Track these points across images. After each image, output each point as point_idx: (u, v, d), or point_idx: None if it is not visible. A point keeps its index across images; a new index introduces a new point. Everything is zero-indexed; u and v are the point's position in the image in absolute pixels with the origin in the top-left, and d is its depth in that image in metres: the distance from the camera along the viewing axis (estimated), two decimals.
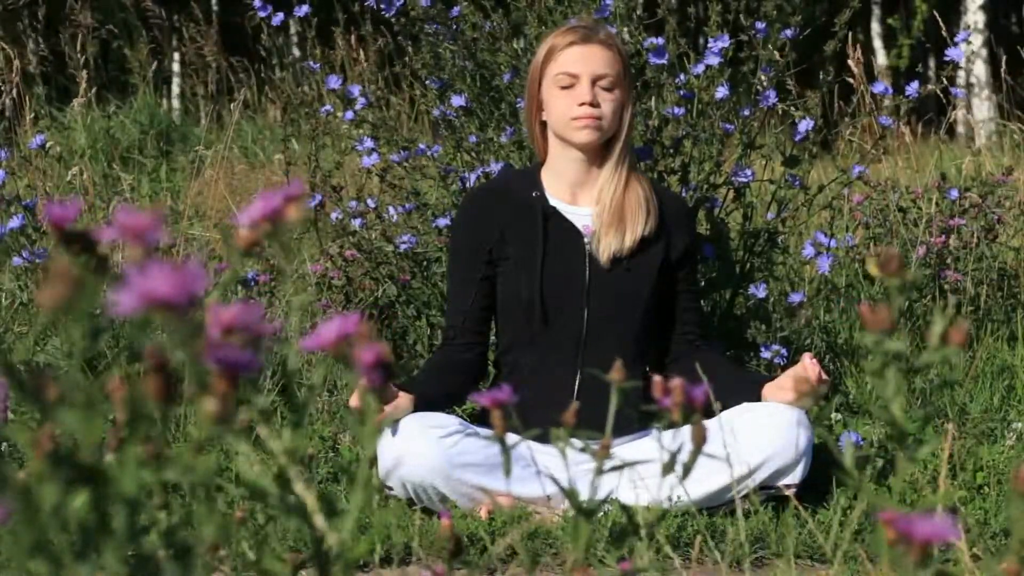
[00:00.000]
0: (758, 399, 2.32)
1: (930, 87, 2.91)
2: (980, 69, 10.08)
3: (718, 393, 2.29)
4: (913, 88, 2.85)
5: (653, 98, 2.86)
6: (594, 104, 2.39)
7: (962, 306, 3.34)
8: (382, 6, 2.90)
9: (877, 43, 12.59)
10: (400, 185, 3.12)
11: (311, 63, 3.11)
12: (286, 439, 0.57)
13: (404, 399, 2.27)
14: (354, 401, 2.22)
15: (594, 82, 2.39)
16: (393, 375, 0.61)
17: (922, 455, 0.73)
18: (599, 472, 0.92)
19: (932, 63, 12.03)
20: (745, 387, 2.35)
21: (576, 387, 2.39)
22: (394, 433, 2.26)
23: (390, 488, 2.31)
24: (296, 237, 3.52)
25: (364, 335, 0.60)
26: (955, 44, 2.87)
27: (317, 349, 0.61)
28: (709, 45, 2.79)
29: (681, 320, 2.49)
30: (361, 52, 5.49)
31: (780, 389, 2.29)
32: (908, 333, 3.19)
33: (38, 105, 5.69)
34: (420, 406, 2.29)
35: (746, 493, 2.23)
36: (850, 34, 4.76)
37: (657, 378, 0.91)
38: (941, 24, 4.74)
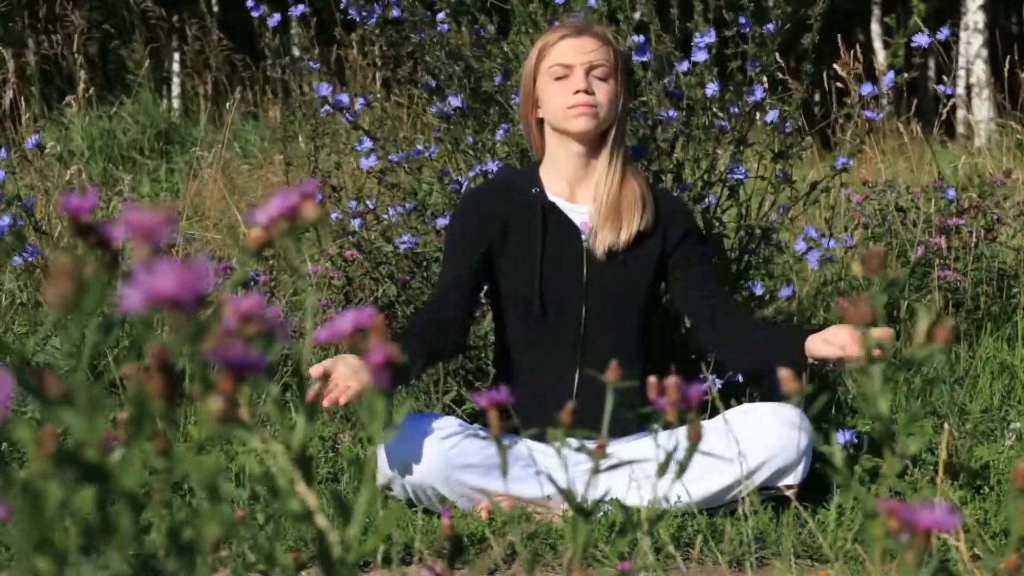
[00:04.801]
0: (801, 354, 2.19)
1: (907, 75, 2.91)
2: (980, 69, 10.08)
3: (760, 354, 2.27)
4: (889, 78, 2.86)
5: (645, 96, 2.86)
6: (589, 91, 2.38)
7: (962, 305, 3.35)
8: (363, 15, 2.90)
9: (877, 43, 12.60)
10: (399, 185, 3.12)
11: (310, 63, 3.11)
12: (299, 431, 0.57)
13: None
14: (315, 370, 2.07)
15: (588, 71, 2.39)
16: (402, 378, 0.62)
17: (910, 451, 0.73)
18: (595, 471, 0.92)
19: (932, 63, 12.04)
20: (786, 345, 2.25)
21: (575, 386, 2.39)
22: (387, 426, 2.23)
23: (389, 489, 2.31)
24: (296, 237, 3.51)
25: (379, 327, 0.60)
26: (936, 38, 2.88)
27: (332, 341, 0.61)
28: (695, 40, 2.79)
29: (700, 290, 2.44)
30: (359, 55, 5.49)
31: (826, 344, 2.15)
32: (903, 331, 3.19)
33: (37, 105, 5.69)
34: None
35: (746, 494, 2.23)
36: (840, 37, 4.75)
37: (651, 378, 0.91)
38: (929, 27, 4.74)
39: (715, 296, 2.45)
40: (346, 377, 2.07)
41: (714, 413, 2.29)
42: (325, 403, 2.03)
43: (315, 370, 2.05)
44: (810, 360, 2.18)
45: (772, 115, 2.84)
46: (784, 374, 0.84)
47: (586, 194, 2.45)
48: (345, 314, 0.61)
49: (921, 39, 2.86)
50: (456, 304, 2.41)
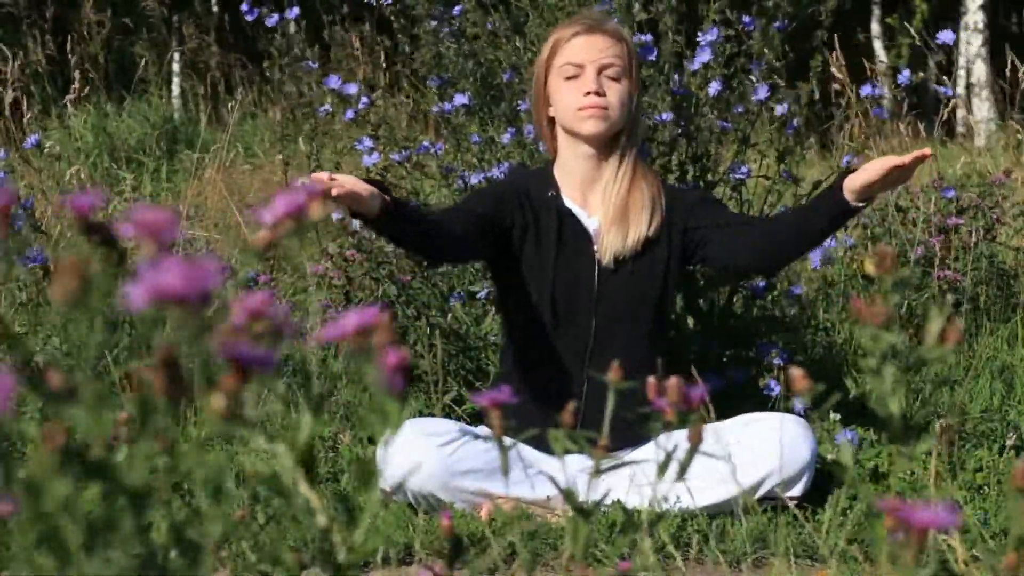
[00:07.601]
0: (841, 196, 2.18)
1: (922, 74, 2.92)
2: (980, 69, 10.07)
3: (808, 222, 2.28)
4: (905, 76, 2.85)
5: (648, 95, 2.85)
6: (600, 93, 2.32)
7: (962, 305, 3.35)
8: None
9: (877, 44, 12.59)
10: (400, 185, 3.11)
11: (309, 62, 3.11)
12: (305, 427, 0.57)
13: (371, 188, 2.06)
14: (320, 174, 2.06)
15: (600, 71, 2.33)
16: (412, 379, 0.62)
17: (919, 452, 0.73)
18: (596, 472, 0.92)
19: (932, 63, 12.03)
20: (822, 198, 2.27)
21: (583, 395, 2.35)
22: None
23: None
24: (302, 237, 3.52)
25: (384, 326, 0.60)
26: (942, 39, 2.88)
27: (337, 339, 0.61)
28: (699, 39, 2.77)
29: (738, 227, 2.39)
30: (361, 52, 5.49)
31: (864, 171, 2.14)
32: (904, 332, 3.19)
33: (42, 104, 5.70)
34: (390, 205, 2.10)
35: (749, 504, 2.21)
36: (836, 37, 4.74)
37: (651, 379, 0.91)
38: (929, 28, 4.75)
39: (752, 219, 2.51)
40: (350, 182, 2.01)
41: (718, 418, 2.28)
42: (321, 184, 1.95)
43: (320, 174, 2.03)
44: (855, 203, 2.19)
45: (781, 108, 2.82)
46: (795, 373, 0.83)
47: (597, 202, 2.40)
48: (350, 313, 0.61)
49: (945, 35, 2.87)
50: (464, 223, 2.31)
